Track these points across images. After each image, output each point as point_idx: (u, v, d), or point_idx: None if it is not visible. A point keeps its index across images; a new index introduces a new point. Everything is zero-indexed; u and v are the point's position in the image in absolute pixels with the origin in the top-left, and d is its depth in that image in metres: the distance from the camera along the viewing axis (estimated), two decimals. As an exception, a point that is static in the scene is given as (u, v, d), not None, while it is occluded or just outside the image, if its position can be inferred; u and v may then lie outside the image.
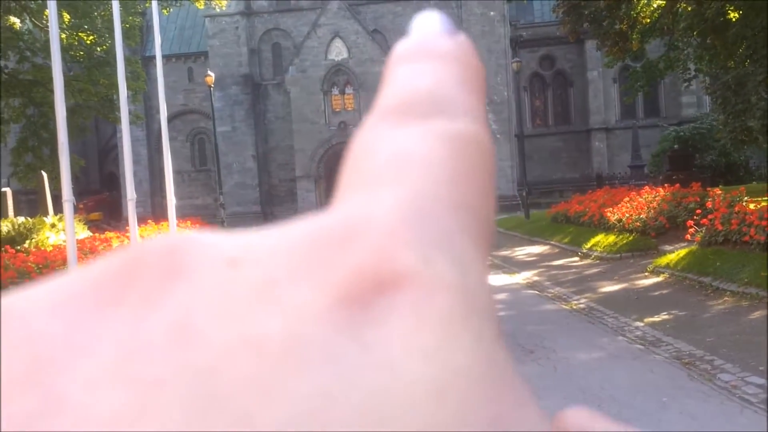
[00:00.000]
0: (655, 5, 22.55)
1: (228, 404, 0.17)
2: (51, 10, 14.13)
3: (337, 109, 45.65)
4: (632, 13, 22.26)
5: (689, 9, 18.84)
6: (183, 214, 31.18)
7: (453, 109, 0.26)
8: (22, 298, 0.21)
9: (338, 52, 45.23)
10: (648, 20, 22.74)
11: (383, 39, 46.51)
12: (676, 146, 31.99)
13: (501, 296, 13.34)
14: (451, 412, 0.18)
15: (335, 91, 45.74)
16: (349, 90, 45.37)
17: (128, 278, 0.21)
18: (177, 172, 39.85)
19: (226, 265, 0.20)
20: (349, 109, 45.37)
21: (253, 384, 0.18)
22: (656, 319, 10.03)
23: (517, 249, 21.86)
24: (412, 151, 0.24)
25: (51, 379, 0.18)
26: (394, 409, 0.17)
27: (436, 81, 0.27)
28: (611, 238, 17.90)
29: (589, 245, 18.29)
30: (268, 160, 48.93)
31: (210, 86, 35.09)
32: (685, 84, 27.82)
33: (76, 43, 25.32)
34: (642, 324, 9.80)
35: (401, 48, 0.29)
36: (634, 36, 22.87)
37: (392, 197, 0.22)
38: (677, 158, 28.33)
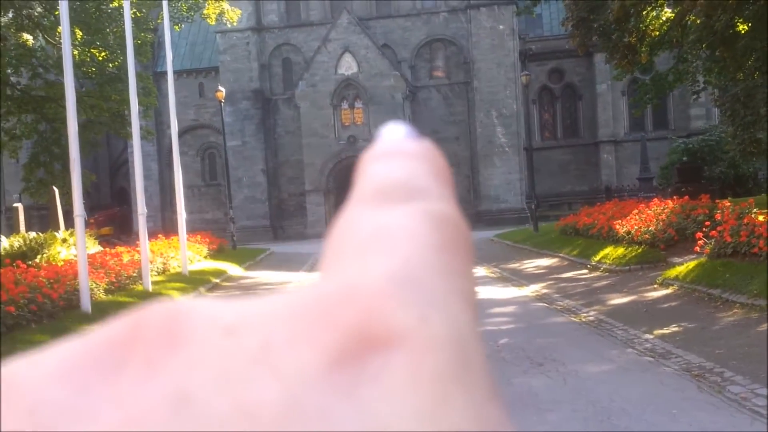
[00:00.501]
0: (664, 18, 22.54)
1: None
2: (64, 27, 14.28)
3: (347, 123, 45.74)
4: (641, 26, 22.26)
5: (698, 21, 18.83)
6: (193, 229, 31.26)
7: (427, 195, 0.27)
8: (24, 365, 0.21)
9: (348, 66, 45.37)
10: (657, 33, 22.73)
11: (393, 53, 46.69)
12: (684, 158, 31.98)
13: (510, 309, 13.35)
14: None
15: (345, 105, 45.86)
16: (358, 104, 45.47)
17: (128, 347, 0.21)
18: (187, 187, 40.02)
19: (223, 333, 0.21)
20: (359, 123, 45.48)
21: None
22: (666, 331, 10.03)
23: (525, 261, 21.88)
24: (396, 225, 0.25)
25: None
26: None
27: (410, 173, 0.28)
28: (620, 251, 17.89)
29: (598, 258, 18.28)
30: (277, 175, 49.09)
31: (221, 101, 35.23)
32: (694, 96, 27.81)
33: (89, 60, 25.50)
34: (651, 336, 9.80)
35: (373, 150, 0.31)
36: (643, 49, 22.85)
37: (383, 263, 0.24)
38: (686, 170, 28.31)
